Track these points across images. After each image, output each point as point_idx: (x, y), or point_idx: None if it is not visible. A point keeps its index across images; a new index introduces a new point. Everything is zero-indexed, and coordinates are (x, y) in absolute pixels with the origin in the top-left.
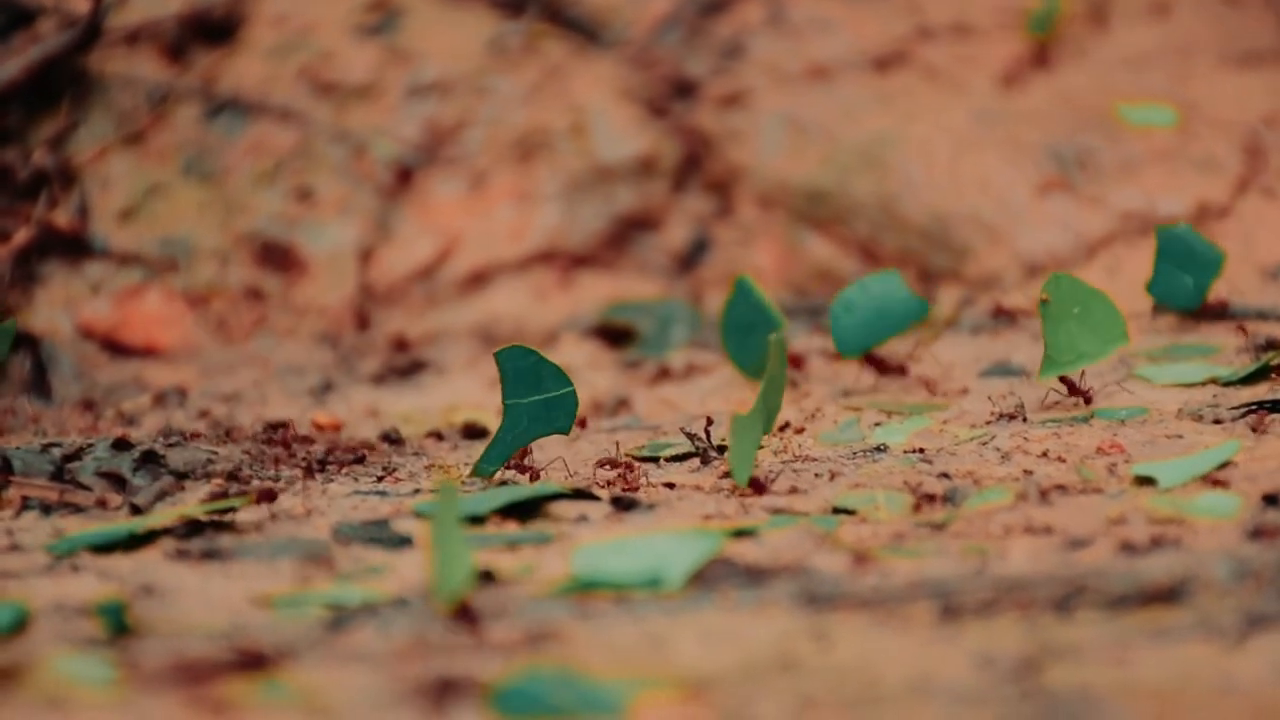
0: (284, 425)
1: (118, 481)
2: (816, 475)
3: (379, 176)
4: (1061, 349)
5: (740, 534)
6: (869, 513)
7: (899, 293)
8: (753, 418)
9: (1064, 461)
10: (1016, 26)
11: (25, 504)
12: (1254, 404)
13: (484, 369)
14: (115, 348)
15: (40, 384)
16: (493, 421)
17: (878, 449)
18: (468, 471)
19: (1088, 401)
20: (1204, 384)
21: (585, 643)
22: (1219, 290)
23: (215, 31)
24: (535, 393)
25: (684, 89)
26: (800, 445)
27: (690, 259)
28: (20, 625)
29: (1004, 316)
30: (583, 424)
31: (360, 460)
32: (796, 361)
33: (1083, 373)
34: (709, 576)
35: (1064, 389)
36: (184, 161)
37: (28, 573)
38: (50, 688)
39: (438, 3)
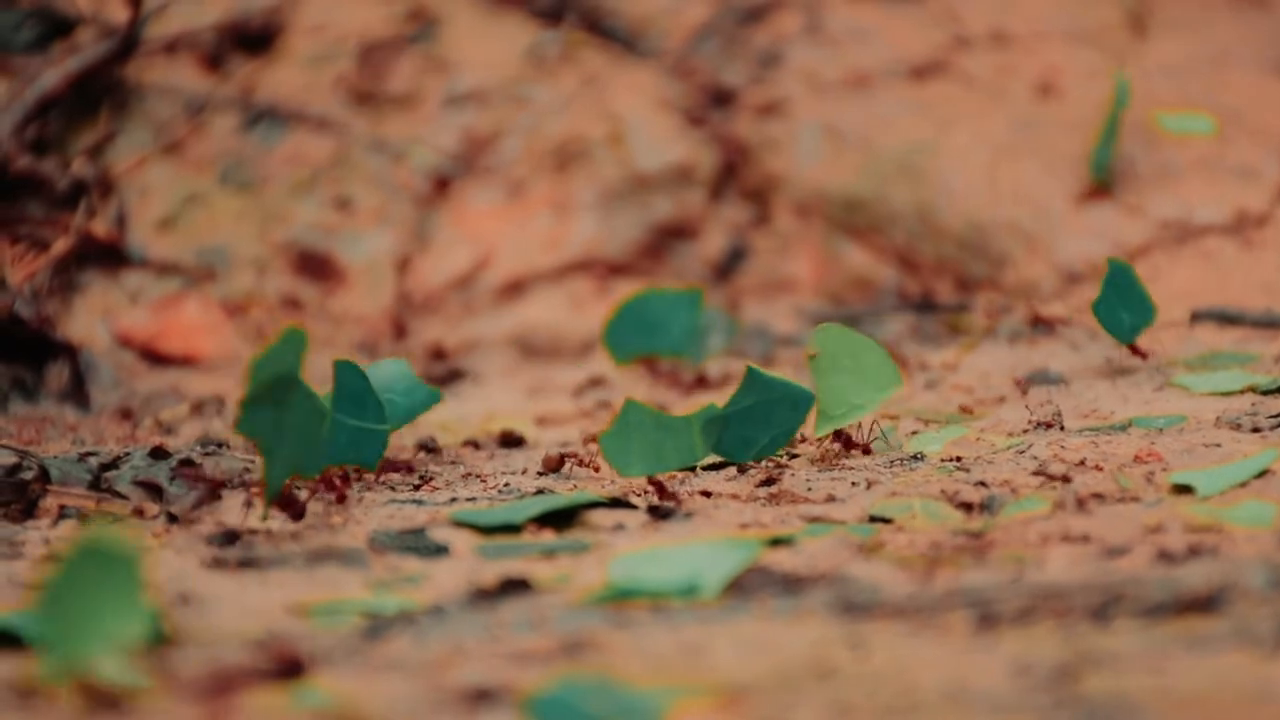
0: None
1: (155, 490)
2: (854, 484)
3: (416, 186)
4: (834, 402)
5: (777, 542)
6: (906, 521)
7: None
8: (645, 411)
9: (1101, 470)
10: (1055, 36)
11: (63, 512)
12: None
13: (521, 378)
14: (153, 357)
15: (78, 393)
16: (530, 431)
17: (914, 457)
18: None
19: (866, 453)
20: (1242, 392)
21: (622, 651)
22: (1148, 340)
23: (253, 41)
24: (356, 418)
25: (721, 98)
26: (837, 454)
27: (727, 268)
28: None
29: (1042, 325)
30: None
31: (397, 469)
32: None
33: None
34: (746, 585)
35: (839, 444)
36: (222, 171)
37: None
38: (86, 695)
39: (475, 12)
